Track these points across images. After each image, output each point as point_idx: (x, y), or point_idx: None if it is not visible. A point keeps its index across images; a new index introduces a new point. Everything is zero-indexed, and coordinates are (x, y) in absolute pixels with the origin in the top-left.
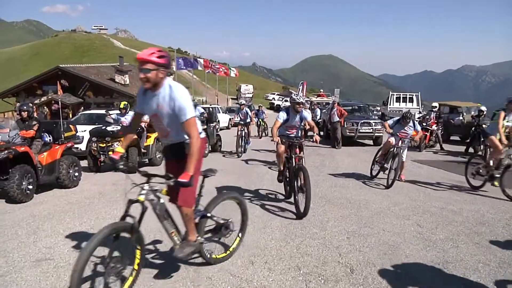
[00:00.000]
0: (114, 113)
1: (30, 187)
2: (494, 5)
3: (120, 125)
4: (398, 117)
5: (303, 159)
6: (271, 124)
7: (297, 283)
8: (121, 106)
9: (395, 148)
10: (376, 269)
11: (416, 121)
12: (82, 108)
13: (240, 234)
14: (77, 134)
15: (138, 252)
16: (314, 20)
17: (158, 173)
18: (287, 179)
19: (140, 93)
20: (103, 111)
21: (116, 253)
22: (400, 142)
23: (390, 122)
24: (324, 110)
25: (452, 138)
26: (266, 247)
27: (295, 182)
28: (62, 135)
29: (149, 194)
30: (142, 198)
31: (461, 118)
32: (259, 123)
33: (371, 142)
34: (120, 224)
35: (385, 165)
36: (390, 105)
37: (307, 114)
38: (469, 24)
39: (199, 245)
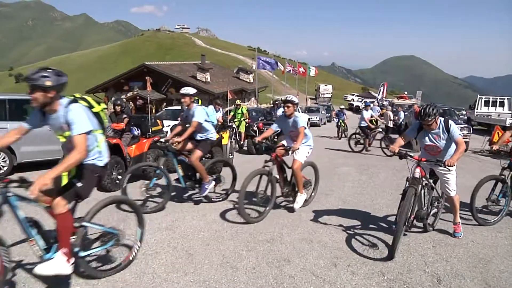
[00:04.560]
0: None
1: (120, 177)
2: None
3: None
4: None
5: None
6: (350, 126)
7: None
8: None
9: (416, 181)
10: (466, 282)
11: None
12: (165, 103)
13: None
14: (163, 129)
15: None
16: (395, 20)
17: None
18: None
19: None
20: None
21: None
22: (429, 167)
23: (407, 131)
24: (406, 113)
25: None
26: (349, 250)
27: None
28: (150, 129)
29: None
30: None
31: None
32: (339, 124)
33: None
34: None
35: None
36: (477, 109)
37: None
38: None
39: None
